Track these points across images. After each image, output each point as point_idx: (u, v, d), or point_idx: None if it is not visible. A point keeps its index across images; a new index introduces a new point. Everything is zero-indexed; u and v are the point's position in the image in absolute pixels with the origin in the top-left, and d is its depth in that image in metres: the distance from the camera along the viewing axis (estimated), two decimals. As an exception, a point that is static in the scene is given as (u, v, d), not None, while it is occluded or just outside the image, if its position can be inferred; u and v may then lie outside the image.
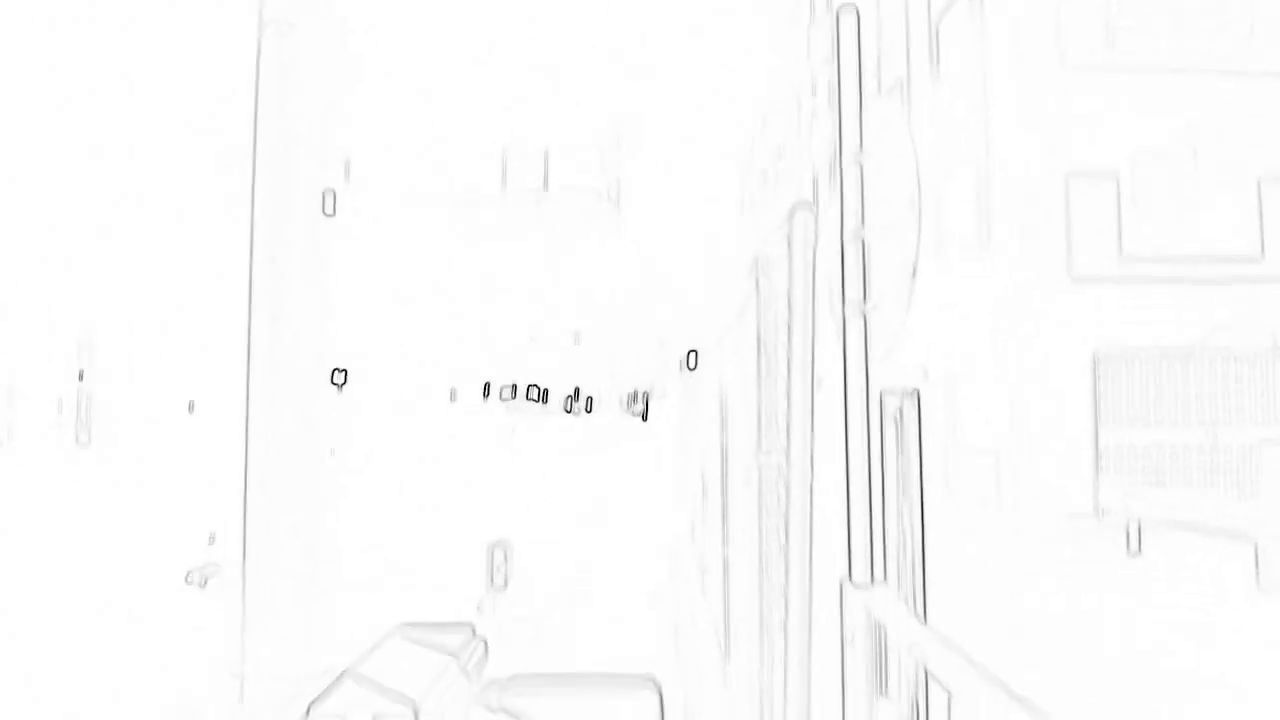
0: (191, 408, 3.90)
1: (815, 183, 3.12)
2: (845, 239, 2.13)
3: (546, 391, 3.88)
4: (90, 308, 3.95)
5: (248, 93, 3.99)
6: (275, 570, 3.30)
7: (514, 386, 3.87)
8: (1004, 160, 3.42)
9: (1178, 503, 3.18)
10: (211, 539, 3.61)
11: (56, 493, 3.69)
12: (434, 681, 2.40)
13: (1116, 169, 3.30)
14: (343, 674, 2.41)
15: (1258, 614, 2.52)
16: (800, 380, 2.13)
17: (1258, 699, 1.97)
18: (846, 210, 2.17)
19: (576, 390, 3.88)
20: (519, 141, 4.46)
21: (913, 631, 1.82)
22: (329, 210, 4.09)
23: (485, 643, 2.72)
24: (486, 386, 3.98)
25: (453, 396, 3.99)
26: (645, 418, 3.77)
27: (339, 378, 3.91)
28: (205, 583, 3.38)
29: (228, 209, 3.97)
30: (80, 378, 3.97)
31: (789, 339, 2.13)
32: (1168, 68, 3.24)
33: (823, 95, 3.44)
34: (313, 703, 2.32)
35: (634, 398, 3.81)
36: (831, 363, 2.40)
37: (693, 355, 3.82)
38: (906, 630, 1.83)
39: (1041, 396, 3.35)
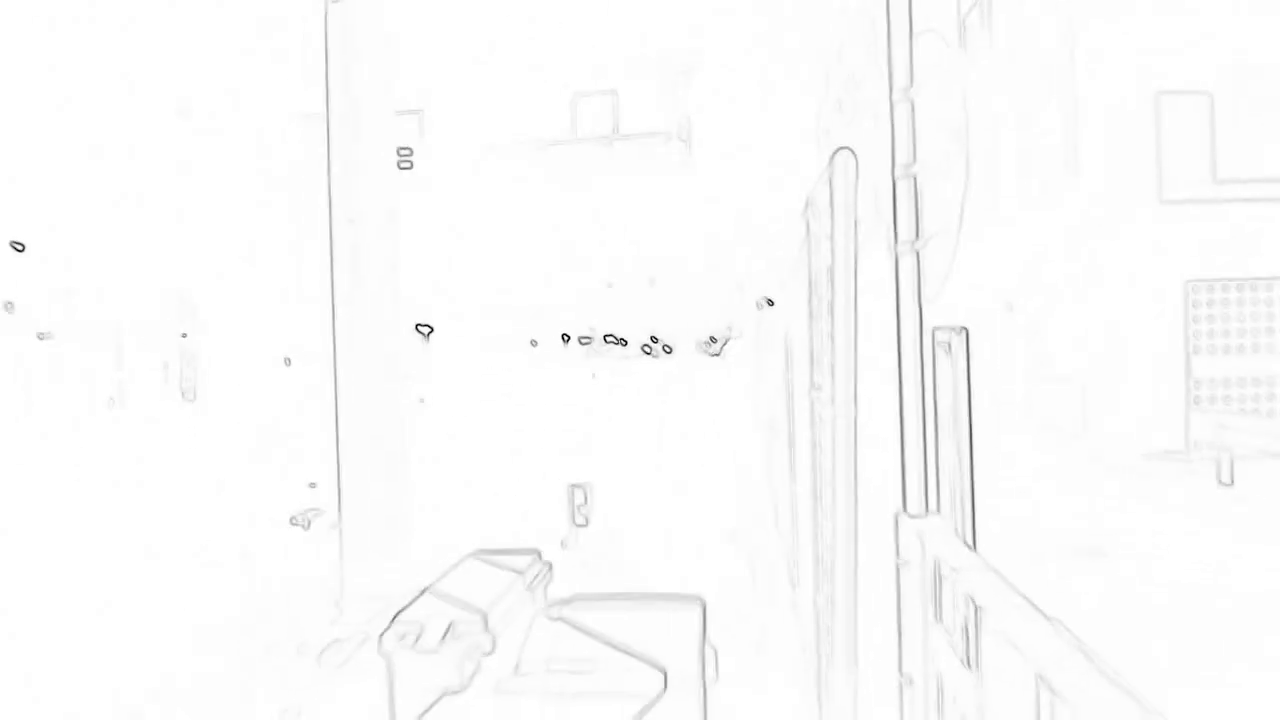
0: (288, 362, 4.17)
1: (893, 112, 3.11)
2: (896, 175, 2.16)
3: (624, 338, 4.00)
4: (188, 272, 4.23)
5: (320, 52, 4.15)
6: (370, 510, 3.59)
7: (591, 333, 4.00)
8: (1092, 80, 3.34)
9: (1269, 433, 3.14)
10: (313, 485, 3.91)
11: (167, 446, 4.02)
12: (501, 595, 2.72)
13: (1210, 87, 3.19)
14: (423, 590, 2.76)
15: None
16: (843, 319, 2.19)
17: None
18: (897, 146, 2.19)
19: (653, 336, 3.99)
20: (588, 85, 4.52)
21: (960, 557, 1.91)
22: (405, 164, 4.25)
23: (550, 565, 3.02)
24: (565, 336, 4.12)
25: (534, 343, 4.14)
26: (720, 358, 3.87)
27: (424, 329, 4.12)
28: (309, 525, 3.69)
29: (309, 169, 4.17)
30: (184, 337, 4.28)
31: (831, 279, 2.18)
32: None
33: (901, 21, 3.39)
34: (397, 614, 2.65)
35: (710, 340, 3.90)
36: (884, 299, 2.45)
37: (767, 298, 3.88)
38: (955, 556, 1.92)
39: (1131, 325, 3.31)
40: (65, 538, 3.74)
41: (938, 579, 2.07)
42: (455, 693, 2.74)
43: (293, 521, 3.76)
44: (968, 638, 1.96)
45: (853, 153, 2.29)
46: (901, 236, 2.18)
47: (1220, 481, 3.11)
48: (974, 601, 1.81)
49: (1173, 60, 3.19)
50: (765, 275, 3.99)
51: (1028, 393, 3.33)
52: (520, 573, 2.95)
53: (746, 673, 2.91)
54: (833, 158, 2.28)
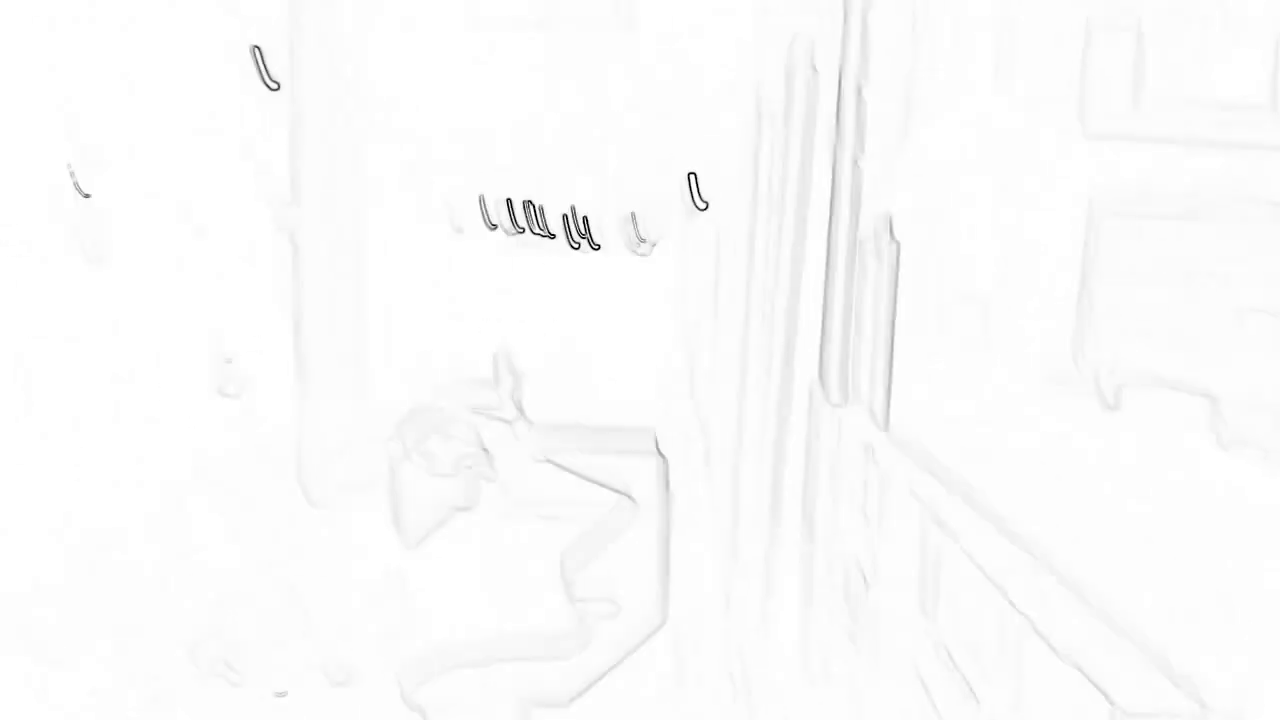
0: (189, 217, 4.03)
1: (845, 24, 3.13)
2: (843, 85, 2.24)
3: (546, 216, 4.01)
4: (94, 126, 4.01)
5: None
6: (326, 367, 3.65)
7: (516, 207, 3.99)
8: (1027, 5, 3.44)
9: (1158, 360, 3.42)
10: (229, 359, 3.85)
11: (72, 312, 3.88)
12: (496, 437, 2.97)
13: (1138, 19, 3.34)
14: (417, 408, 3.01)
15: (1216, 467, 2.80)
16: (793, 220, 2.30)
17: (1209, 547, 2.22)
18: (847, 57, 2.26)
19: (584, 219, 4.01)
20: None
21: (873, 437, 2.09)
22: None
23: (530, 421, 3.30)
24: (482, 202, 4.08)
25: (451, 213, 4.10)
26: (649, 249, 3.92)
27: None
28: (240, 393, 3.67)
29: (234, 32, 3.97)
30: (87, 197, 4.07)
31: (783, 179, 2.28)
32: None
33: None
34: (404, 433, 2.89)
35: (636, 227, 3.95)
36: (822, 201, 2.55)
37: (697, 182, 3.92)
38: (867, 436, 2.10)
39: (1039, 247, 3.52)
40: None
41: (853, 459, 2.25)
42: (462, 510, 3.06)
43: (222, 391, 3.72)
44: (873, 509, 2.15)
45: (809, 40, 2.34)
46: (845, 147, 2.28)
47: (1105, 404, 3.38)
48: (881, 470, 1.99)
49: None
50: (700, 162, 4.03)
51: (940, 304, 3.51)
52: (506, 420, 3.23)
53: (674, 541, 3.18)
54: (790, 48, 2.33)
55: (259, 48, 3.81)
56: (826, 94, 2.73)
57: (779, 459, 2.57)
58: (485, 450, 3.14)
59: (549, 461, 3.08)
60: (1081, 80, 3.39)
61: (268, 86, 3.87)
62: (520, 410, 3.55)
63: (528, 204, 3.96)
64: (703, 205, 3.60)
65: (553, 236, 3.96)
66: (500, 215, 4.01)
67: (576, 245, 3.89)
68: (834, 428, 2.36)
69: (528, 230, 3.95)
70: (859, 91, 2.31)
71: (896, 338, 2.72)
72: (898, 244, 2.36)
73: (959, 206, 3.37)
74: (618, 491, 2.95)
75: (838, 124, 2.29)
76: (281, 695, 3.23)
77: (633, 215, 3.85)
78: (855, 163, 2.33)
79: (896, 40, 2.55)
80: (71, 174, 3.80)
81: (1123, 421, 3.19)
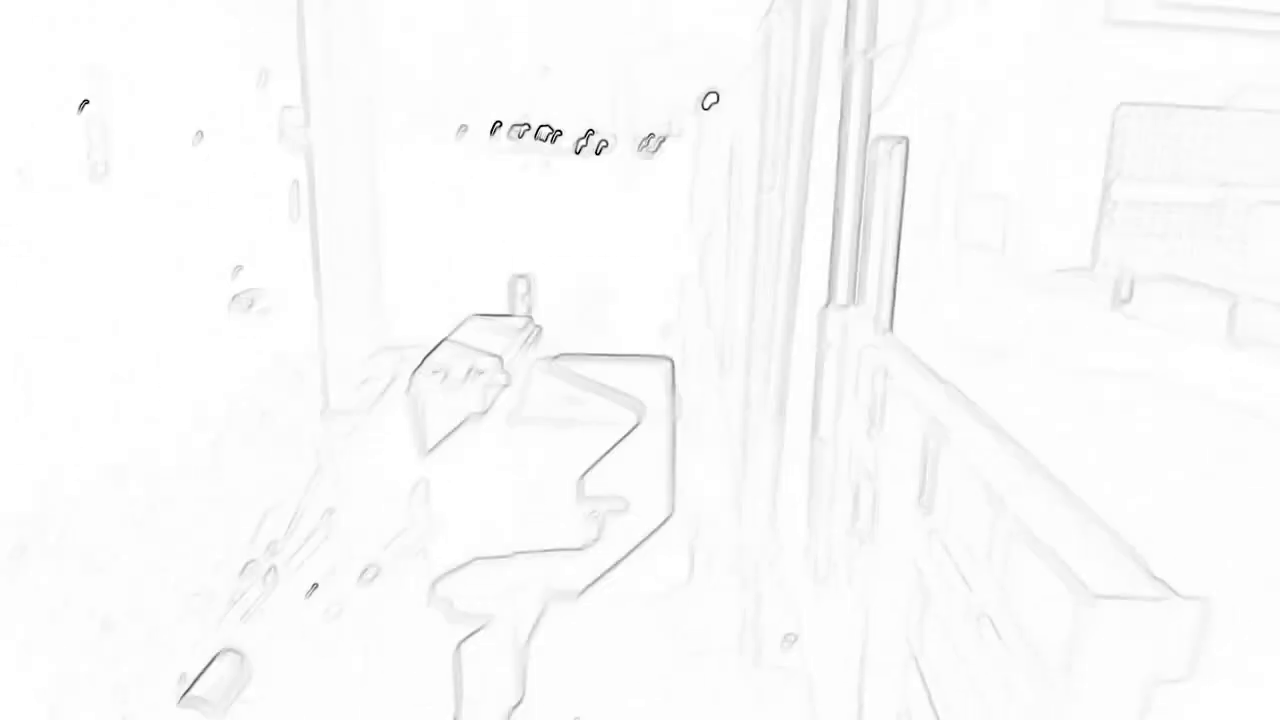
0: (200, 136, 4.03)
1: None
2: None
3: (560, 131, 3.98)
4: (99, 38, 3.97)
5: None
6: (346, 282, 3.73)
7: (526, 124, 3.96)
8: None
9: (1174, 257, 3.39)
10: (236, 270, 3.89)
11: (77, 225, 3.92)
12: (508, 345, 3.15)
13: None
14: (440, 341, 3.16)
15: (1228, 364, 2.81)
16: (801, 122, 2.29)
17: (1216, 450, 2.25)
18: None
19: (589, 130, 3.97)
20: None
21: (876, 337, 2.13)
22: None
23: (540, 327, 3.46)
24: (498, 123, 4.07)
25: (464, 130, 4.08)
26: (657, 144, 3.90)
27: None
28: (251, 304, 3.74)
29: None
30: (81, 109, 4.07)
31: (793, 81, 2.25)
32: None
33: None
34: (423, 359, 3.05)
35: (648, 139, 3.91)
36: (832, 103, 2.53)
37: (710, 95, 3.87)
38: (871, 336, 2.13)
39: (1060, 145, 3.46)
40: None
41: (858, 363, 2.29)
42: (479, 418, 3.16)
43: (234, 303, 3.80)
44: (876, 410, 2.20)
45: None
46: (855, 46, 2.24)
47: (1119, 298, 3.38)
48: (884, 372, 2.03)
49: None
50: (708, 77, 3.96)
51: (958, 205, 3.49)
52: (517, 330, 3.39)
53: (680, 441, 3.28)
54: None
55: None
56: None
57: (785, 359, 2.61)
58: (498, 356, 3.23)
59: (560, 364, 3.17)
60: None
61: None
62: (530, 315, 3.61)
63: (544, 126, 3.94)
64: (708, 107, 3.57)
65: (557, 137, 3.95)
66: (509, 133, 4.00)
67: (579, 150, 3.89)
68: (839, 329, 2.39)
69: (532, 136, 3.94)
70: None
71: (904, 239, 2.72)
72: (907, 142, 2.34)
73: (977, 103, 3.30)
74: (625, 394, 3.03)
75: (848, 19, 2.26)
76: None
77: (645, 135, 3.82)
78: (866, 58, 2.29)
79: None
80: (84, 104, 3.80)
81: (1135, 318, 3.18)
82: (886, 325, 2.32)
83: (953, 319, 2.95)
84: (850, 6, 2.16)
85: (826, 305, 2.45)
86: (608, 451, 2.91)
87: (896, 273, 2.36)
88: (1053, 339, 3.08)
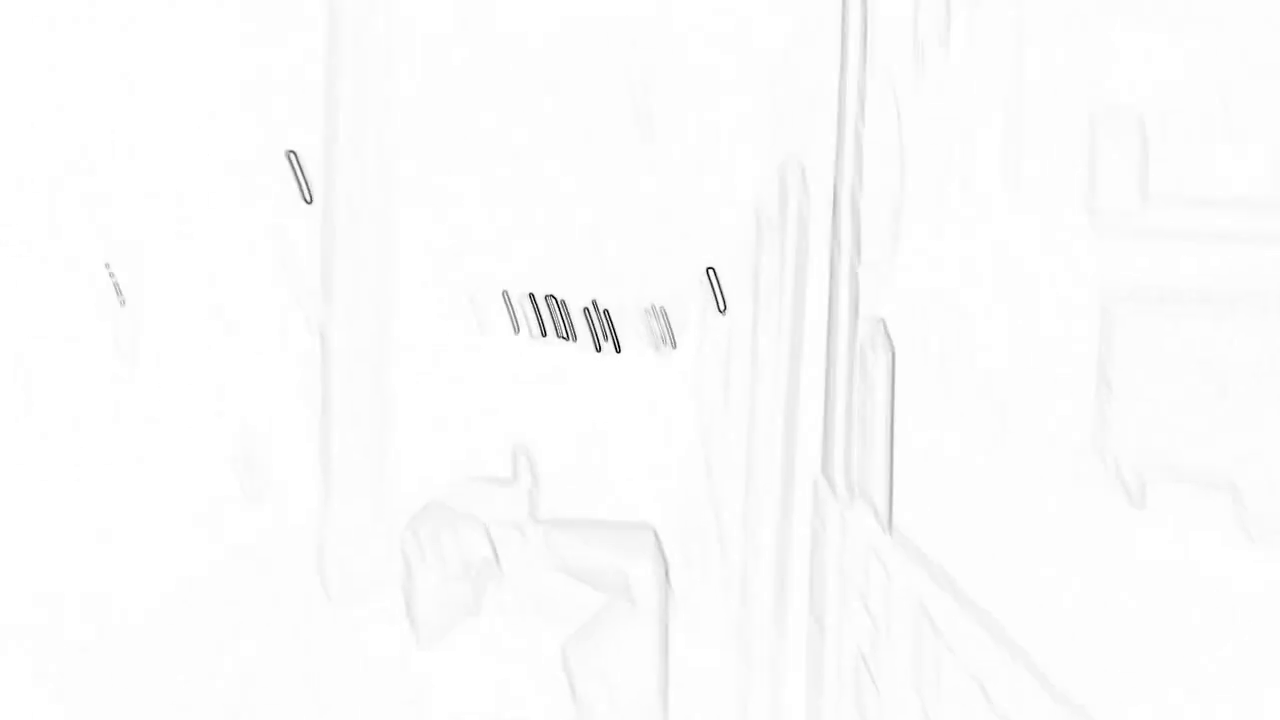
0: (220, 315, 4.19)
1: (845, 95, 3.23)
2: (838, 198, 2.33)
3: (568, 309, 4.11)
4: (133, 231, 4.21)
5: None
6: (349, 463, 3.78)
7: (536, 301, 4.10)
8: (1034, 96, 3.53)
9: (1180, 452, 3.38)
10: (250, 454, 3.96)
11: (107, 408, 4.03)
12: (499, 521, 3.09)
13: (1142, 109, 3.41)
14: (428, 504, 3.13)
15: (1242, 561, 2.75)
16: (789, 316, 2.36)
17: (1237, 644, 2.17)
18: (842, 175, 2.35)
19: (605, 311, 4.11)
20: (548, 63, 4.58)
21: (874, 536, 2.10)
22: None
23: (534, 495, 3.43)
24: (506, 295, 4.20)
25: (472, 300, 4.22)
26: (670, 342, 4.01)
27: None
28: (261, 488, 3.78)
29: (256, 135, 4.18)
30: (118, 293, 4.26)
31: (780, 276, 2.35)
32: (1195, 5, 3.32)
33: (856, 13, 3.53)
34: (410, 521, 3.01)
35: (659, 320, 4.03)
36: (821, 302, 2.62)
37: (715, 277, 4.01)
38: (870, 535, 2.11)
39: (1052, 336, 3.53)
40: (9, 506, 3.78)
41: (860, 557, 2.26)
42: (472, 610, 3.31)
43: (242, 485, 3.85)
44: (878, 609, 2.15)
45: (800, 165, 2.46)
46: (843, 256, 2.35)
47: (1129, 495, 3.34)
48: (882, 565, 1.99)
49: (1109, 80, 3.40)
50: (714, 263, 4.12)
51: (955, 393, 3.52)
52: (509, 498, 3.37)
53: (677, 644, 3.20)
54: (782, 169, 2.45)
55: (294, 153, 4.02)
56: (821, 201, 2.83)
57: (784, 556, 2.58)
58: (493, 551, 3.23)
59: (556, 563, 3.15)
60: (1090, 175, 3.45)
61: (303, 195, 4.08)
62: (531, 511, 3.62)
63: (550, 298, 4.09)
64: (723, 307, 3.70)
65: (575, 338, 4.08)
66: (525, 313, 4.14)
67: (599, 347, 4.01)
68: (839, 526, 2.38)
69: (552, 333, 4.08)
70: (852, 200, 2.40)
71: (899, 437, 2.74)
72: (892, 342, 2.41)
73: (967, 303, 3.40)
74: (615, 591, 2.99)
75: (833, 228, 2.38)
76: None
77: (655, 308, 3.96)
78: (851, 266, 2.40)
79: (885, 151, 2.65)
80: (110, 274, 4.00)
81: (1147, 517, 3.14)
82: (886, 524, 2.31)
83: (959, 515, 2.92)
84: (835, 216, 2.28)
85: (824, 490, 2.45)
86: (590, 629, 2.85)
87: (892, 470, 2.37)
88: (1064, 535, 3.03)
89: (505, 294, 4.19)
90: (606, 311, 4.06)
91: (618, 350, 4.00)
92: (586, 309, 4.11)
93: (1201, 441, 3.29)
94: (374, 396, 3.96)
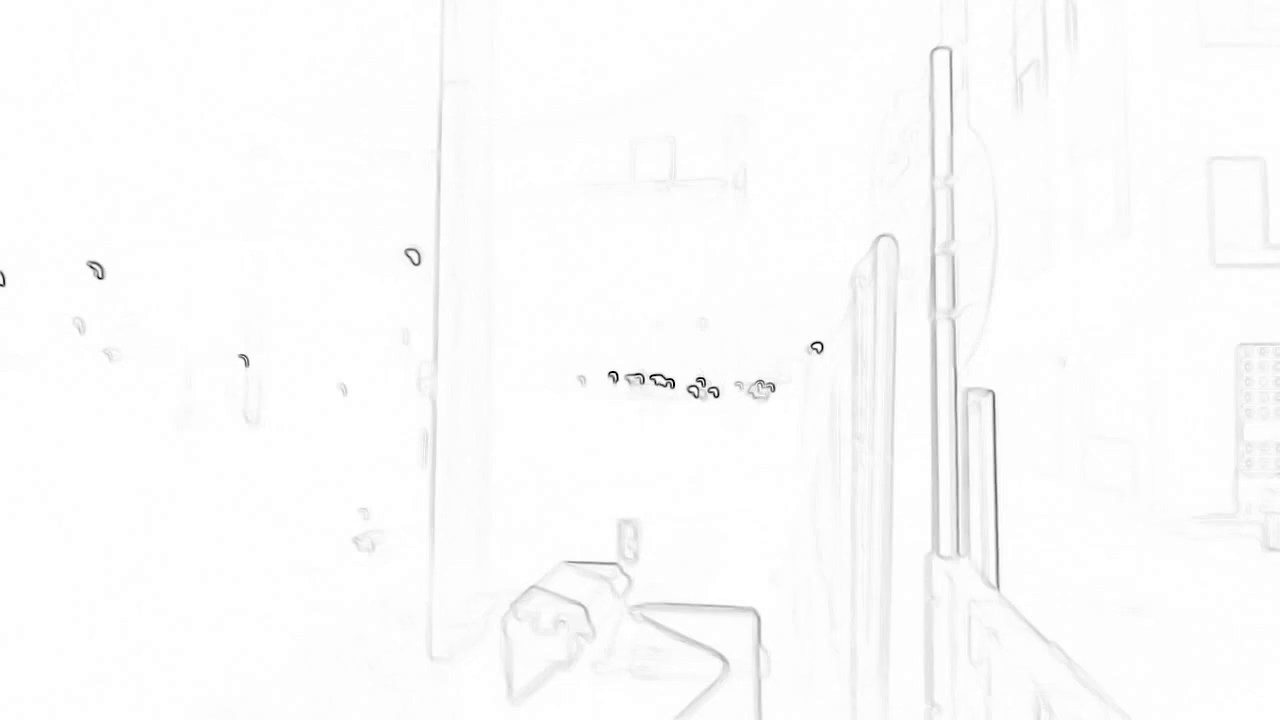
0: (344, 390, 4.43)
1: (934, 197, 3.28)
2: (935, 252, 2.36)
3: (673, 380, 4.19)
4: (255, 298, 4.52)
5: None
6: (458, 530, 3.90)
7: (640, 374, 4.20)
8: (1144, 142, 3.49)
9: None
10: (365, 514, 4.14)
11: (230, 469, 4.29)
12: (595, 595, 3.18)
13: (1262, 152, 3.33)
14: (530, 588, 3.22)
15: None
16: (883, 380, 2.39)
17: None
18: (938, 227, 2.39)
19: (701, 378, 4.17)
20: (647, 131, 4.77)
21: (982, 593, 2.06)
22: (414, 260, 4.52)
23: (629, 576, 3.49)
24: (614, 374, 4.33)
25: (582, 381, 4.35)
26: (766, 393, 4.05)
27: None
28: (373, 547, 3.94)
29: (384, 206, 4.47)
30: (247, 364, 4.56)
31: (874, 345, 2.39)
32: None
33: (956, 78, 3.58)
34: (513, 604, 3.12)
35: (759, 384, 4.07)
36: (922, 362, 2.62)
37: (818, 342, 4.05)
38: (978, 594, 2.06)
39: (1182, 387, 3.43)
40: (132, 556, 4.03)
41: (967, 620, 2.22)
42: (563, 666, 3.17)
43: (357, 544, 4.03)
44: (988, 669, 2.10)
45: (893, 239, 2.52)
46: (939, 306, 2.38)
47: (1267, 546, 3.19)
48: (993, 634, 1.95)
49: (1226, 126, 3.33)
50: (813, 325, 4.15)
51: (1077, 448, 3.45)
52: (607, 580, 3.45)
53: (790, 711, 3.15)
54: (875, 243, 2.51)
55: (416, 250, 4.28)
56: (919, 260, 2.85)
57: (885, 615, 2.53)
58: (583, 607, 3.27)
59: (646, 619, 3.17)
60: (1210, 215, 3.37)
61: (411, 261, 4.32)
62: (624, 562, 3.67)
63: (655, 376, 4.19)
64: (818, 352, 3.73)
65: (673, 384, 4.16)
66: (633, 388, 4.26)
67: (696, 393, 4.08)
68: (945, 581, 2.33)
69: (648, 381, 4.18)
70: (950, 258, 2.44)
71: (1024, 484, 2.69)
72: (993, 395, 2.39)
73: (1090, 345, 3.33)
74: (708, 650, 2.98)
75: (931, 281, 2.41)
76: None
77: (760, 382, 4.01)
78: (949, 317, 2.41)
79: (978, 205, 2.67)
80: (243, 359, 4.31)
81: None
82: (994, 581, 2.26)
83: (1080, 570, 2.83)
84: (933, 269, 2.31)
85: (932, 554, 2.41)
86: (687, 709, 2.82)
87: (998, 525, 2.33)
88: (1198, 592, 2.90)
89: (613, 374, 4.32)
90: (714, 389, 4.14)
91: (714, 395, 4.04)
92: (692, 387, 4.20)
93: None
94: (481, 467, 4.11)
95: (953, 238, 2.34)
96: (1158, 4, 3.49)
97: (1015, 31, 4.15)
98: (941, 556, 2.30)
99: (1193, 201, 3.55)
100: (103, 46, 4.53)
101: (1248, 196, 3.43)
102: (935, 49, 2.34)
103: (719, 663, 2.85)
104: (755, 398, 4.08)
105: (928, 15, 4.61)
